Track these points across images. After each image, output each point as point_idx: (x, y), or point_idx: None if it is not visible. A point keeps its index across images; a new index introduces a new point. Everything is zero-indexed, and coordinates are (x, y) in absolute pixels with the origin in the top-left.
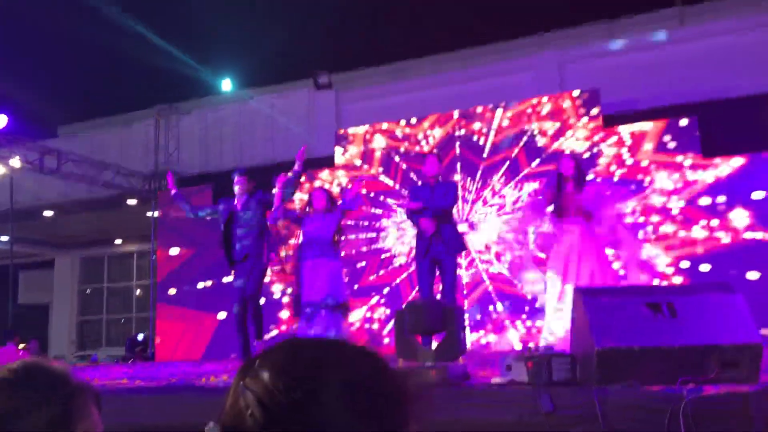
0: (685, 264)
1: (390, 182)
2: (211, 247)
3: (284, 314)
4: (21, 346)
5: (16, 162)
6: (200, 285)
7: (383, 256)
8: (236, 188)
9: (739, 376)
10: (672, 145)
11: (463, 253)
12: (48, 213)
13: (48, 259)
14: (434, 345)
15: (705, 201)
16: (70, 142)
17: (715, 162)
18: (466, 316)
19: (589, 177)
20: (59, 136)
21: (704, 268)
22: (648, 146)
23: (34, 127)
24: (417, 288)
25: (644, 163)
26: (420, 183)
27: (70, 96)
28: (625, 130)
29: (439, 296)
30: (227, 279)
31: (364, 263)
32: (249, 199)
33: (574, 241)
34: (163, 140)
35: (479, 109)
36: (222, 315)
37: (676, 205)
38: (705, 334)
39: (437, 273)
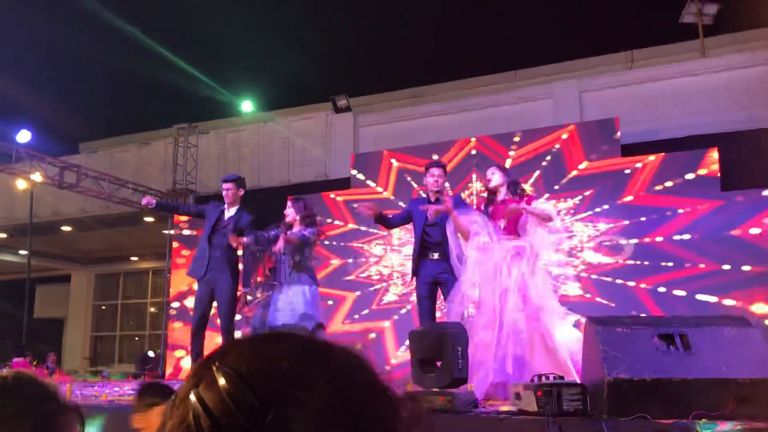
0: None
1: (404, 205)
2: None
3: None
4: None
5: (37, 177)
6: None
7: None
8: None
9: (755, 412)
10: (691, 176)
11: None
12: (66, 228)
13: (65, 274)
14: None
15: (724, 232)
16: (90, 159)
17: (733, 194)
18: None
19: (606, 206)
20: (80, 152)
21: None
22: (666, 176)
23: (56, 143)
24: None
25: (662, 193)
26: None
27: (92, 113)
28: (643, 159)
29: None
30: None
31: (377, 287)
32: (238, 213)
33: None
34: (182, 159)
35: (497, 136)
36: (237, 334)
37: (691, 236)
38: (720, 367)
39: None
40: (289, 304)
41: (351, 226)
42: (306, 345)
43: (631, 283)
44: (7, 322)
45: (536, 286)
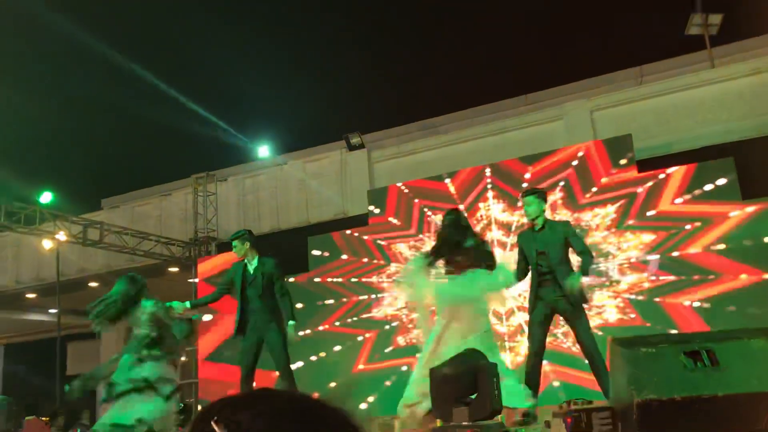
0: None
1: (423, 236)
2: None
3: None
4: (44, 419)
5: (61, 236)
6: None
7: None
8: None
9: None
10: (709, 186)
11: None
12: (93, 284)
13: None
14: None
15: (747, 242)
16: (112, 215)
17: (754, 203)
18: None
19: (630, 222)
20: (102, 208)
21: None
22: (686, 188)
23: (78, 201)
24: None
25: (682, 207)
26: None
27: (112, 169)
28: (661, 174)
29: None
30: None
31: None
32: (260, 262)
33: None
34: (202, 208)
35: (511, 162)
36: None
37: (716, 247)
38: (751, 381)
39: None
40: None
41: (366, 260)
42: (304, 406)
43: (670, 300)
44: (42, 380)
45: None
